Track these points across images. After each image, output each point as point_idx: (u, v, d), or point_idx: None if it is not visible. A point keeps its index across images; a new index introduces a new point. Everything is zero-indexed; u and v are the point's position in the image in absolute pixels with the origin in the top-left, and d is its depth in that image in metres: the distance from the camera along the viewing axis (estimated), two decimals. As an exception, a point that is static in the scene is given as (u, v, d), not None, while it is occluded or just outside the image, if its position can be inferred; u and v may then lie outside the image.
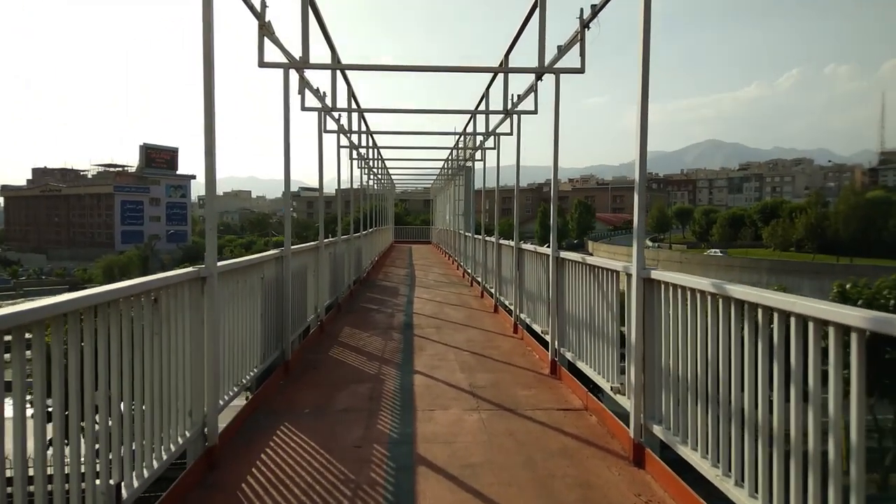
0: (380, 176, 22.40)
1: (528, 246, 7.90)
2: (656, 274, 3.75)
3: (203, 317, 3.78)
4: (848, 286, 19.75)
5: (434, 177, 27.43)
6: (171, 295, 3.41)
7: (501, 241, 10.19)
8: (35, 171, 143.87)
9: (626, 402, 4.19)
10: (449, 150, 18.26)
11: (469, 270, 15.12)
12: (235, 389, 4.56)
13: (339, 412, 4.93)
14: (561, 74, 6.28)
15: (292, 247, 6.60)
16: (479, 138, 12.25)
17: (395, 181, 30.67)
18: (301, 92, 7.70)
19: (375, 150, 15.78)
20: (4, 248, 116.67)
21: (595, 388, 5.31)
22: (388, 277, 16.84)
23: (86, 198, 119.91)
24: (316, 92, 8.16)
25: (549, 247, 6.85)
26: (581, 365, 5.42)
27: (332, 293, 9.95)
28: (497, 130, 10.44)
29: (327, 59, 7.58)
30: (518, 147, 8.62)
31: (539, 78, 7.18)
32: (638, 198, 3.93)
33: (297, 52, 6.33)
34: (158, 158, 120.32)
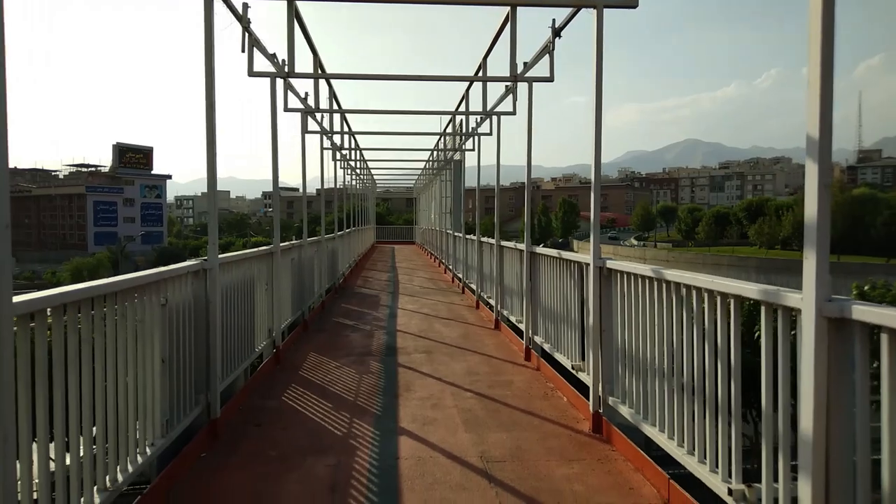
0: (359, 172, 20.58)
1: (545, 250, 6.09)
2: (864, 311, 1.95)
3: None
4: (867, 287, 18.27)
5: (417, 175, 25.67)
6: None
7: (504, 244, 8.37)
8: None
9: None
10: (430, 151, 17.16)
11: (460, 275, 13.29)
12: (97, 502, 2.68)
13: (281, 521, 3.07)
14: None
15: (226, 255, 4.72)
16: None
17: (376, 179, 28.79)
18: (247, 51, 5.86)
19: (352, 138, 13.91)
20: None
21: (656, 449, 3.56)
22: (368, 283, 14.96)
23: (57, 199, 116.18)
24: (272, 57, 6.42)
25: (560, 250, 5.20)
26: (650, 431, 3.59)
27: (295, 308, 8.05)
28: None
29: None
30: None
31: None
32: (819, 181, 2.11)
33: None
34: (132, 158, 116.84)
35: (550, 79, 6.33)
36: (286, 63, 6.51)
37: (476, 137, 10.60)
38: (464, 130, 11.13)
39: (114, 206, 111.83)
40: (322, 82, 8.84)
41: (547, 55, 6.19)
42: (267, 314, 6.26)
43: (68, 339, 2.51)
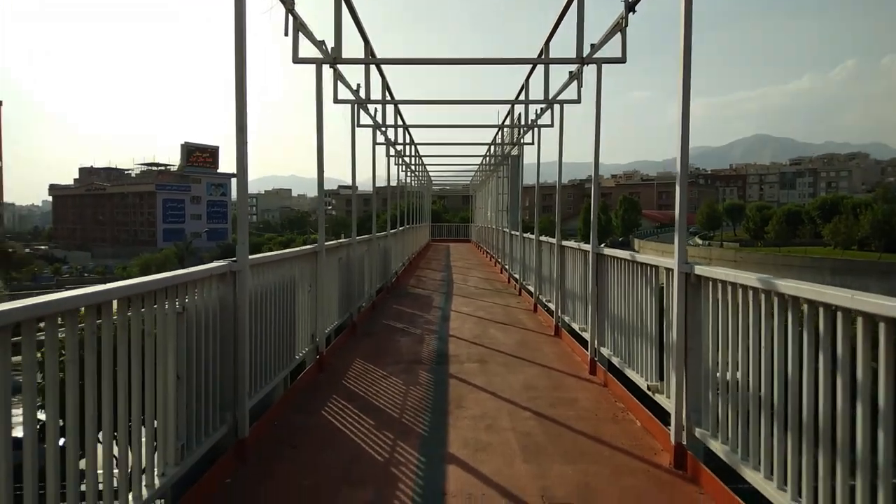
0: (416, 171, 20.23)
1: (616, 252, 5.43)
2: None
3: None
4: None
5: (473, 172, 25.15)
6: None
7: (565, 244, 7.72)
8: (81, 170, 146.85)
9: None
10: (487, 146, 16.66)
11: (517, 276, 12.67)
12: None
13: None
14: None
15: (259, 256, 4.29)
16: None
17: (432, 177, 28.43)
18: (292, 35, 5.50)
19: (406, 132, 13.48)
20: (52, 246, 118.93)
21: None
22: (421, 283, 14.51)
23: (129, 196, 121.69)
24: (321, 44, 6.05)
25: (642, 254, 4.55)
26: (753, 477, 2.91)
27: (342, 311, 7.64)
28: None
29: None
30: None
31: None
32: None
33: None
34: (200, 157, 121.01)
35: (622, 60, 5.67)
36: (334, 50, 6.08)
37: (536, 130, 9.95)
38: (523, 122, 10.52)
39: (181, 204, 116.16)
40: (374, 73, 8.39)
41: (619, 33, 5.54)
42: (310, 318, 5.84)
43: (46, 359, 2.09)
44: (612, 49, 5.84)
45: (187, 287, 3.19)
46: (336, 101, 7.58)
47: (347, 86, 7.57)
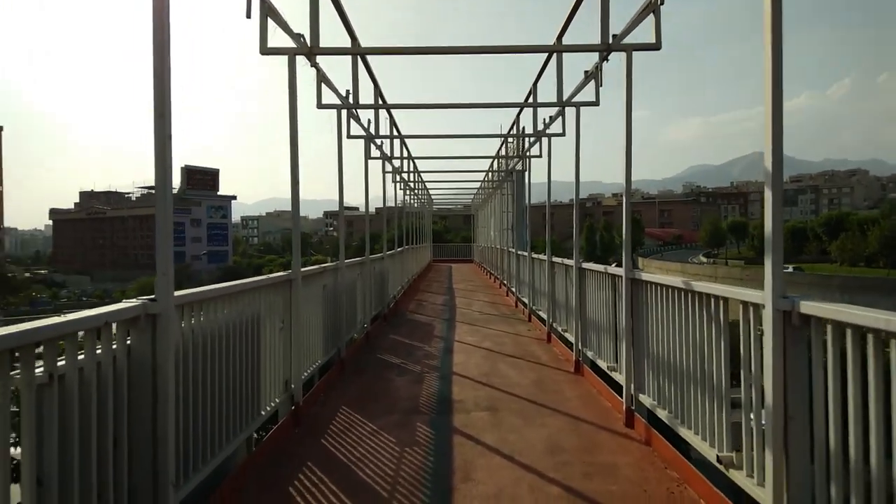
0: (415, 189, 19.28)
1: (662, 278, 4.36)
2: None
3: None
4: None
5: (475, 190, 24.23)
6: None
7: (586, 266, 6.68)
8: (82, 194, 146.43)
9: None
10: (490, 160, 15.75)
11: (525, 300, 11.60)
12: None
13: None
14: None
15: (193, 291, 3.25)
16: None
17: (433, 196, 27.50)
18: (260, 19, 4.57)
19: (403, 145, 12.50)
20: (51, 270, 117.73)
21: None
22: (421, 308, 13.44)
23: (129, 220, 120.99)
24: (299, 37, 5.11)
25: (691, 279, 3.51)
26: None
27: (328, 346, 6.57)
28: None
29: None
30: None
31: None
32: None
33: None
34: (199, 180, 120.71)
35: (657, 46, 4.69)
36: (312, 40, 5.11)
37: (545, 139, 8.97)
38: (529, 132, 9.56)
39: (182, 227, 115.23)
40: (364, 79, 7.36)
41: (651, 15, 4.58)
42: (282, 362, 4.78)
43: None
44: (644, 33, 4.88)
45: (63, 342, 2.16)
46: (320, 105, 6.62)
47: (332, 87, 6.61)
